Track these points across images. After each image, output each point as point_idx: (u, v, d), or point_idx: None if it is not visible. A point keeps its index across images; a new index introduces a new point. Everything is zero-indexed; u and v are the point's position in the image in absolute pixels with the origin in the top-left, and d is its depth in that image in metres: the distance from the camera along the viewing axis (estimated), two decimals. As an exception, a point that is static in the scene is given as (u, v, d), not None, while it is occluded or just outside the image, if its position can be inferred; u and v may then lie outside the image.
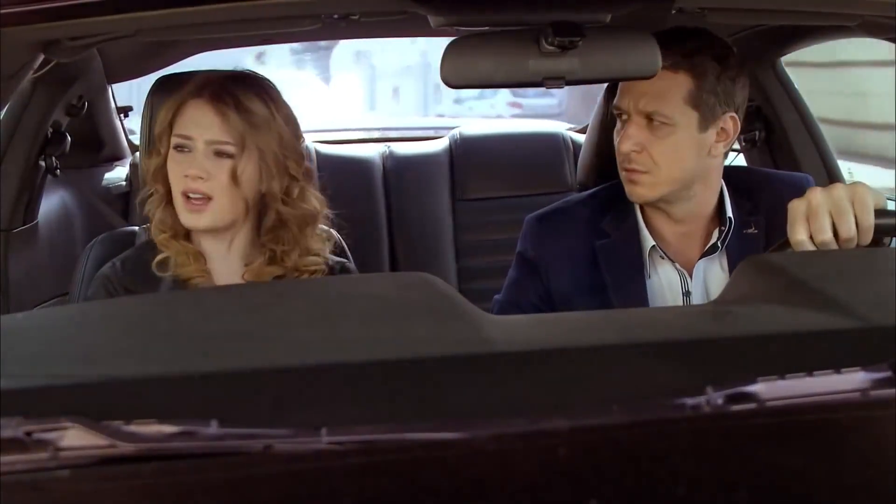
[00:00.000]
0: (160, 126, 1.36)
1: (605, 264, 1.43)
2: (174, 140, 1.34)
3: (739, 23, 1.79)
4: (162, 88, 1.53)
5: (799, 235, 1.11)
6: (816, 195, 1.12)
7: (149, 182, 1.40)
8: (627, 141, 1.36)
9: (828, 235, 1.10)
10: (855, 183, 1.15)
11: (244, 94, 1.34)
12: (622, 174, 1.40)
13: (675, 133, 1.35)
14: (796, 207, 1.13)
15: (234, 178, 1.33)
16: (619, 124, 1.41)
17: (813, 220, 1.11)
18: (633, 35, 1.10)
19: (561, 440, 0.64)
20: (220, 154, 1.33)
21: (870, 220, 1.11)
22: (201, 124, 1.33)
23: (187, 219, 1.34)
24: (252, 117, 1.33)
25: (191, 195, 1.32)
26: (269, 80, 1.43)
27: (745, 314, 0.86)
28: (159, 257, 1.38)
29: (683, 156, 1.36)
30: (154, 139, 1.38)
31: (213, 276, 1.39)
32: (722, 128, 1.38)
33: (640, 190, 1.38)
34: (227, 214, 1.35)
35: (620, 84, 1.40)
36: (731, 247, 1.41)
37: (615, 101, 1.40)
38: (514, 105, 9.87)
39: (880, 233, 1.12)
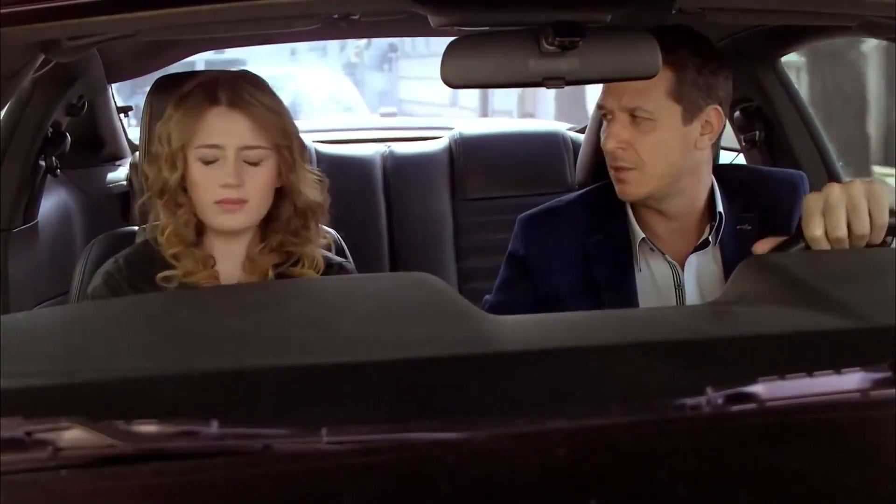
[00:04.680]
0: (178, 141, 1.32)
1: (594, 260, 1.43)
2: (200, 152, 1.31)
3: (739, 23, 1.79)
4: (162, 89, 1.53)
5: (816, 231, 1.12)
6: (834, 191, 1.13)
7: (167, 195, 1.36)
8: (612, 139, 1.37)
9: (843, 232, 1.12)
10: (871, 180, 1.17)
11: (258, 92, 1.34)
12: (611, 174, 1.40)
13: (659, 128, 1.35)
14: (813, 202, 1.14)
15: (267, 179, 1.33)
16: (604, 124, 1.42)
17: (829, 216, 1.12)
18: (633, 35, 1.10)
19: (561, 440, 0.64)
20: (252, 158, 1.32)
21: (884, 219, 1.13)
22: (230, 132, 1.31)
23: (222, 221, 1.33)
24: (271, 115, 1.33)
25: (227, 200, 1.31)
26: (261, 78, 1.42)
27: (745, 314, 0.86)
28: (163, 274, 1.36)
29: (669, 150, 1.37)
30: (169, 153, 1.33)
31: (219, 272, 1.40)
32: (706, 121, 1.39)
33: (628, 188, 1.38)
34: (260, 213, 1.36)
35: (604, 84, 1.40)
36: (726, 242, 1.41)
37: (599, 101, 1.41)
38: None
39: (892, 232, 1.13)
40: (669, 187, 1.39)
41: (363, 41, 13.94)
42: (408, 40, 14.70)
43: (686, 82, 1.35)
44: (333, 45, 14.36)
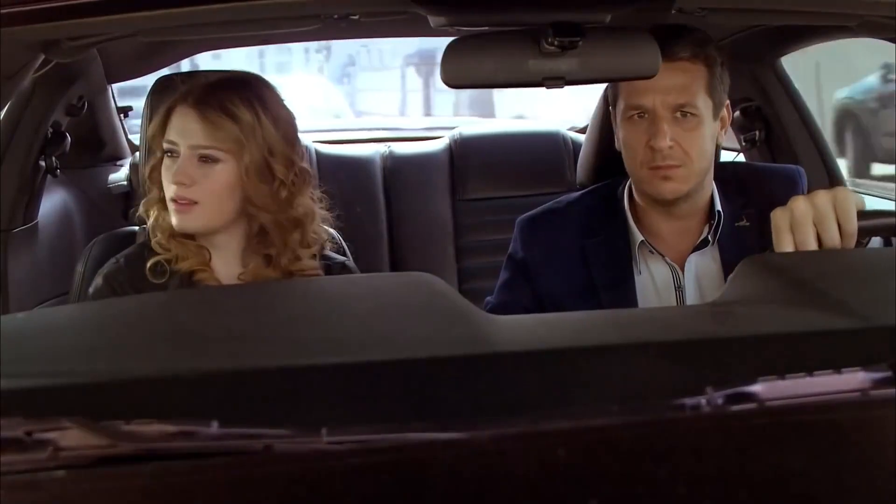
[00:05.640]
0: (153, 130, 1.37)
1: (593, 262, 1.43)
2: (164, 145, 1.35)
3: (739, 23, 1.79)
4: (161, 89, 1.54)
5: (786, 248, 1.11)
6: (799, 205, 1.12)
7: (146, 184, 1.41)
8: (664, 137, 1.34)
9: (813, 247, 1.10)
10: (836, 188, 1.15)
11: (229, 98, 1.34)
12: (648, 173, 1.38)
13: (702, 124, 1.37)
14: (780, 218, 1.12)
15: (219, 183, 1.33)
16: (627, 124, 1.39)
17: (797, 232, 1.11)
18: (633, 35, 1.10)
19: (561, 440, 0.64)
20: (204, 160, 1.33)
21: (853, 226, 1.10)
22: (185, 130, 1.34)
23: (176, 221, 1.35)
24: (236, 122, 1.33)
25: (177, 199, 1.33)
26: (262, 82, 1.41)
27: (745, 314, 0.86)
28: (152, 261, 1.37)
29: (707, 146, 1.39)
30: (147, 144, 1.40)
31: (215, 271, 1.39)
32: (722, 116, 1.41)
33: (673, 185, 1.37)
34: (214, 219, 1.36)
35: (636, 82, 1.38)
36: (724, 239, 1.42)
37: (631, 101, 1.38)
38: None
39: (863, 235, 1.12)
40: (701, 184, 1.40)
41: (322, 55, 14.15)
42: (364, 53, 14.95)
43: (716, 78, 1.38)
44: (299, 60, 14.63)
